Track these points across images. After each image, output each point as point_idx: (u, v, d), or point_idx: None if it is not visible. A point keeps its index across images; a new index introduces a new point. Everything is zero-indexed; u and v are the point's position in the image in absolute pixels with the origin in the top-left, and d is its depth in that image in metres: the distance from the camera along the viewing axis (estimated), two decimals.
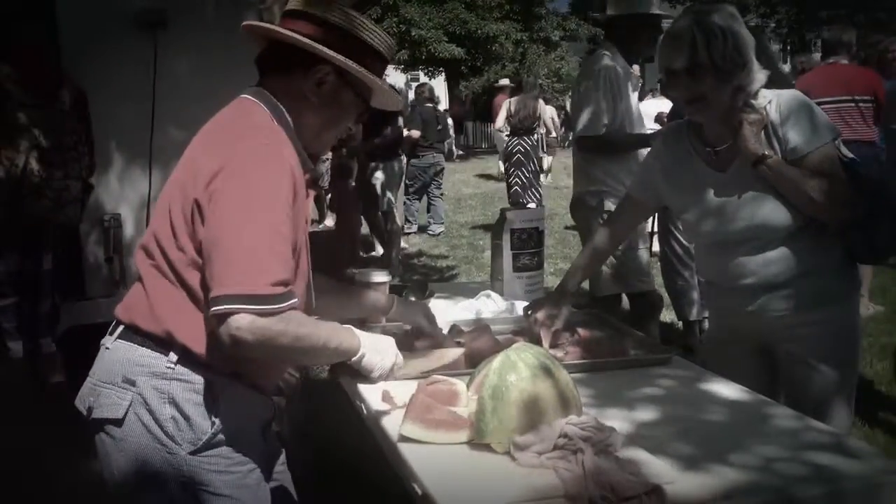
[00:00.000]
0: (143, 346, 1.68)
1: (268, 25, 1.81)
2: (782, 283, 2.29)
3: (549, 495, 1.52)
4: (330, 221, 9.99)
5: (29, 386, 4.08)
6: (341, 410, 2.23)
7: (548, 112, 12.15)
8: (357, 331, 1.82)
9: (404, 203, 9.84)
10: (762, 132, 2.25)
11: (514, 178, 9.38)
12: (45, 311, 4.30)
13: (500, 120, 10.21)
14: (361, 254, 8.60)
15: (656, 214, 5.16)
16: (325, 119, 1.80)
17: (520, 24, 27.77)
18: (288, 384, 3.24)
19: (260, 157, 1.62)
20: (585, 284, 3.45)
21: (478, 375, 1.87)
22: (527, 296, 3.01)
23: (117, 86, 4.50)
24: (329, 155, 7.85)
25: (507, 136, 9.87)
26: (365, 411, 2.01)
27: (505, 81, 13.25)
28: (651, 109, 6.59)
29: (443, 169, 10.41)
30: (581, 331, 2.47)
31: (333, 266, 7.23)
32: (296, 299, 1.60)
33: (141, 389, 1.66)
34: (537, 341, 2.34)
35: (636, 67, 7.98)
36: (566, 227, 10.22)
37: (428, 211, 10.58)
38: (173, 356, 1.66)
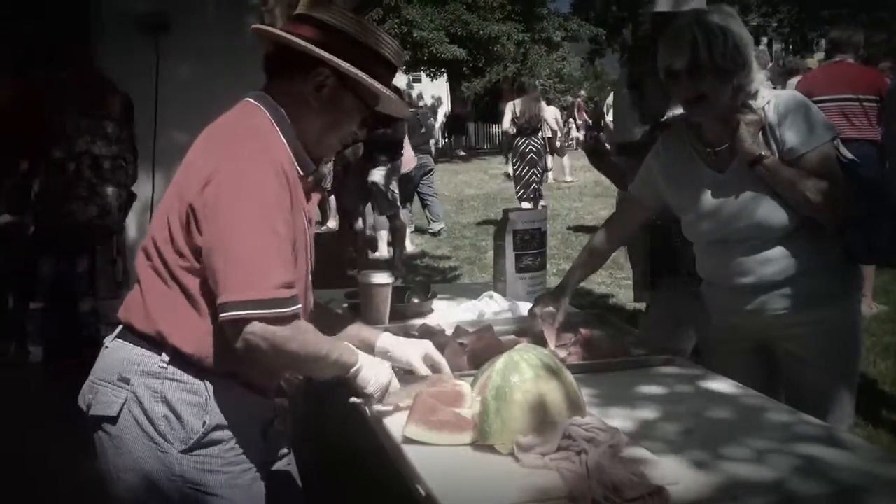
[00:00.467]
0: (138, 345, 1.71)
1: (269, 29, 1.82)
2: (780, 283, 2.29)
3: (553, 496, 1.52)
4: (333, 223, 10.01)
5: (47, 389, 4.09)
6: (344, 411, 2.23)
7: (551, 113, 12.17)
8: (354, 348, 1.84)
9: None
10: (760, 132, 2.26)
11: (531, 176, 9.89)
12: (86, 311, 4.31)
13: (507, 122, 10.50)
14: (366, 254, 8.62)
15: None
16: (325, 123, 1.80)
17: (521, 24, 27.79)
18: (291, 385, 3.24)
19: (251, 161, 1.63)
20: (586, 284, 3.45)
21: (481, 377, 1.87)
22: (529, 297, 3.00)
23: (120, 88, 4.50)
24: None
25: (514, 136, 10.20)
26: (368, 412, 2.01)
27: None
28: None
29: (431, 169, 10.36)
30: (584, 331, 2.47)
31: (336, 268, 7.26)
32: (301, 304, 1.62)
33: (135, 388, 1.68)
34: (540, 342, 2.34)
35: None
36: (568, 228, 10.22)
37: (424, 209, 10.56)
38: (165, 356, 1.68)
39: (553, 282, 3.67)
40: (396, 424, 1.82)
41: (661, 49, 2.30)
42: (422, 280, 7.06)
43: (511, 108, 10.43)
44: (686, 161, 2.41)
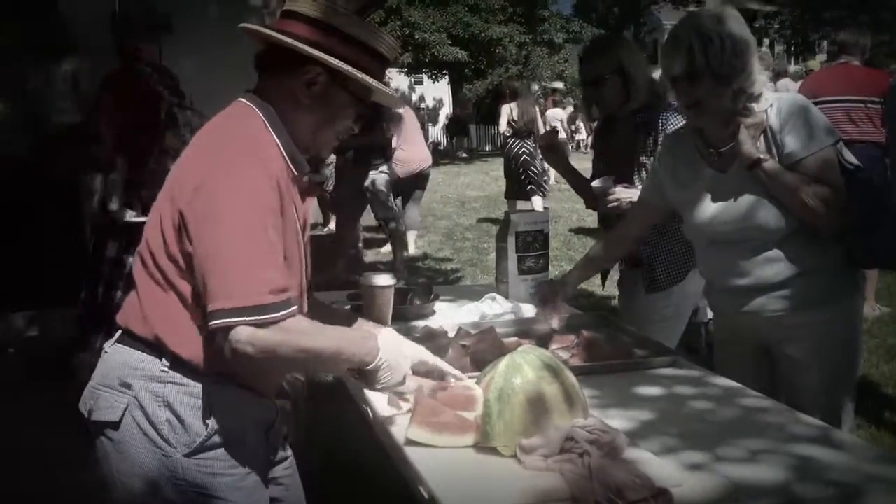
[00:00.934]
0: (138, 350, 1.70)
1: (257, 27, 1.80)
2: (778, 285, 2.29)
3: (556, 498, 1.52)
4: (334, 225, 10.00)
5: None
6: (347, 413, 2.23)
7: (558, 115, 12.22)
8: (382, 342, 1.77)
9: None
10: (761, 135, 2.26)
11: (523, 177, 10.08)
12: None
13: (503, 124, 10.72)
14: (365, 256, 8.62)
15: None
16: (318, 120, 1.78)
17: (523, 26, 27.82)
18: (293, 387, 3.25)
19: (240, 166, 1.61)
20: (587, 286, 3.46)
21: (483, 378, 1.87)
22: (532, 299, 3.01)
23: None
24: (333, 158, 7.85)
25: (509, 138, 10.42)
26: (371, 414, 2.01)
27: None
28: None
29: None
30: (585, 333, 2.47)
31: (334, 269, 7.25)
32: (295, 307, 1.59)
33: (137, 393, 1.67)
34: (542, 344, 2.34)
35: None
36: (571, 230, 10.22)
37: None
38: (166, 360, 1.67)
39: None
40: (399, 426, 1.82)
41: (661, 55, 2.32)
42: (424, 282, 7.06)
43: (507, 111, 10.57)
44: (691, 161, 2.42)
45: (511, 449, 1.68)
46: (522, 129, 10.22)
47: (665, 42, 2.33)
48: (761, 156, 2.22)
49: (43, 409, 3.56)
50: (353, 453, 3.39)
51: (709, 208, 2.35)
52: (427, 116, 32.18)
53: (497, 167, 18.73)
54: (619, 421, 1.85)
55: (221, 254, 1.56)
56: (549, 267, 3.18)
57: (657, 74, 6.92)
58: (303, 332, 1.61)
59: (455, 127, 28.46)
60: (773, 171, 2.21)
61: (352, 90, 1.78)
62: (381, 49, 1.79)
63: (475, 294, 3.09)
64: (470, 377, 2.03)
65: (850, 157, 2.30)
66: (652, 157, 2.99)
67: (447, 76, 29.14)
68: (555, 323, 2.51)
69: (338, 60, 1.71)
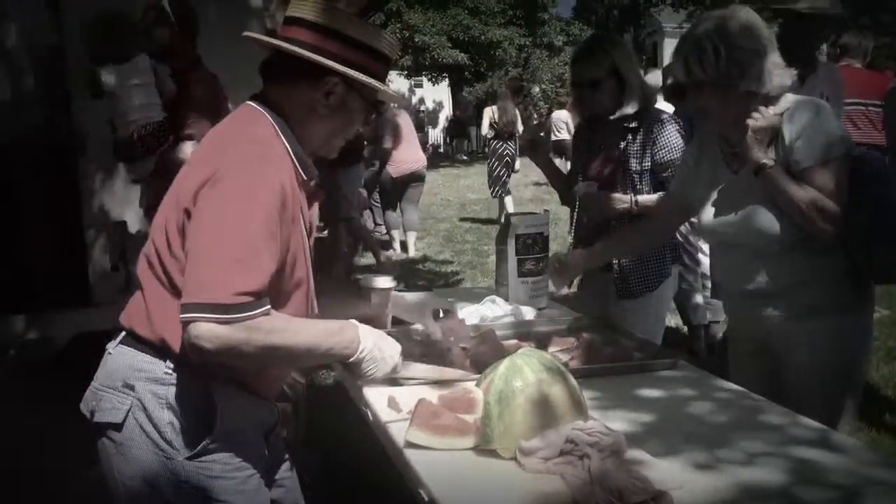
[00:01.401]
0: (142, 351, 1.70)
1: (270, 39, 1.80)
2: (779, 291, 2.29)
3: (556, 501, 1.52)
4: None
5: None
6: (347, 415, 2.23)
7: (563, 116, 12.33)
8: (363, 331, 1.81)
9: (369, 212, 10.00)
10: (773, 139, 2.25)
11: (506, 176, 10.77)
12: None
13: (486, 126, 11.28)
14: (363, 258, 8.64)
15: None
16: (334, 127, 1.81)
17: (523, 29, 27.86)
18: (294, 389, 3.25)
19: (246, 168, 1.62)
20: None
21: (483, 381, 1.87)
22: (531, 301, 3.01)
23: None
24: None
25: (492, 139, 11.01)
26: (371, 417, 2.01)
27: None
28: None
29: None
30: (586, 335, 2.48)
31: (325, 270, 7.26)
32: (265, 307, 1.57)
33: (140, 394, 1.67)
34: (543, 346, 2.34)
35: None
36: (570, 232, 10.21)
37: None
38: (170, 363, 1.67)
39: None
40: (399, 429, 1.82)
41: (671, 64, 2.35)
42: (423, 285, 7.07)
43: (489, 114, 11.08)
44: (713, 161, 2.44)
45: (511, 451, 1.68)
46: (504, 131, 10.76)
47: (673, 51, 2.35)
48: (767, 161, 2.22)
49: (43, 409, 3.56)
50: (352, 455, 3.39)
51: (717, 209, 2.36)
52: (427, 119, 32.23)
53: None
54: (619, 423, 1.85)
55: (201, 250, 1.57)
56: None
57: (648, 78, 6.97)
58: (271, 331, 1.59)
59: (455, 129, 28.45)
60: (775, 178, 2.21)
61: (365, 95, 1.80)
62: (386, 51, 1.81)
63: (475, 296, 3.09)
64: (470, 380, 2.03)
65: (870, 164, 2.28)
66: (636, 162, 3.05)
67: (447, 79, 29.17)
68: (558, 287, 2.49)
69: (355, 71, 1.73)
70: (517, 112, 11.22)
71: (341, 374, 1.98)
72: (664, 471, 1.61)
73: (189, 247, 1.59)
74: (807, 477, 1.62)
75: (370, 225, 9.78)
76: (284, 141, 1.74)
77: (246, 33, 1.83)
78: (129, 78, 4.01)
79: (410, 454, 1.73)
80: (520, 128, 11.23)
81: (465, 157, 25.76)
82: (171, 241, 1.66)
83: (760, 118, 2.24)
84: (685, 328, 5.59)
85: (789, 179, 2.21)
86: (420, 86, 32.31)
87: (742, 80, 2.21)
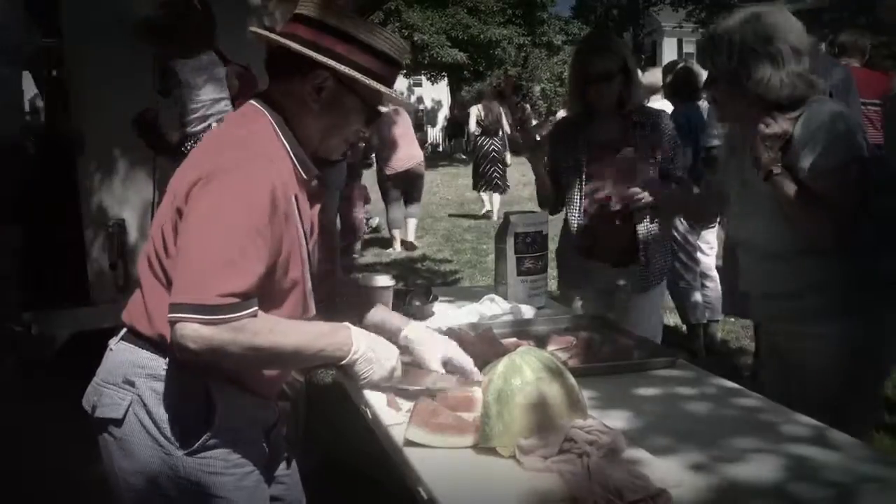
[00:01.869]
0: (142, 348, 1.71)
1: (264, 32, 1.80)
2: (790, 294, 2.29)
3: (555, 499, 1.52)
4: None
5: None
6: (346, 414, 2.23)
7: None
8: (356, 333, 1.81)
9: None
10: (785, 144, 2.24)
11: (492, 173, 11.28)
12: None
13: (473, 124, 11.69)
14: (363, 256, 8.64)
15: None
16: (327, 125, 1.79)
17: (522, 28, 27.85)
18: (293, 388, 3.24)
19: (236, 169, 1.62)
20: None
21: (482, 379, 1.87)
22: (530, 299, 3.01)
23: (121, 90, 4.50)
24: None
25: (479, 136, 11.46)
26: (370, 415, 2.01)
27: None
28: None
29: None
30: (585, 334, 2.48)
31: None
32: (252, 309, 1.57)
33: (140, 390, 1.68)
34: (542, 344, 2.34)
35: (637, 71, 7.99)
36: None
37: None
38: (170, 359, 1.68)
39: (554, 284, 3.67)
40: (398, 427, 1.82)
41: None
42: (423, 283, 7.06)
43: (476, 113, 11.55)
44: (743, 160, 2.43)
45: (510, 450, 1.68)
46: (490, 128, 11.27)
47: None
48: (773, 167, 2.22)
49: (42, 407, 3.57)
50: (351, 454, 3.39)
51: (737, 207, 2.39)
52: (426, 118, 32.22)
53: None
54: (618, 422, 1.85)
55: (188, 250, 1.57)
56: (548, 268, 3.18)
57: (647, 76, 6.91)
58: (257, 332, 1.59)
59: (454, 129, 28.45)
60: (780, 184, 2.21)
61: (361, 95, 1.78)
62: (390, 51, 1.79)
63: (474, 295, 3.09)
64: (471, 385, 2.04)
65: (887, 172, 2.27)
66: (647, 154, 3.08)
67: (446, 78, 29.14)
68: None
69: (344, 66, 1.72)
70: (502, 111, 11.65)
71: (340, 374, 1.98)
72: (663, 469, 1.61)
73: (178, 246, 1.60)
74: (804, 474, 1.62)
75: (365, 219, 9.85)
76: (283, 140, 1.74)
77: (252, 28, 1.84)
78: (198, 74, 4.00)
79: (409, 453, 1.73)
80: (505, 126, 11.60)
81: (463, 157, 25.76)
82: (167, 239, 1.66)
83: (772, 123, 2.23)
84: (684, 327, 5.60)
85: (793, 185, 2.21)
86: (419, 85, 32.29)
87: (749, 83, 2.21)
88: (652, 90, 6.83)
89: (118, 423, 1.69)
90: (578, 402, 1.77)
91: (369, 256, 9.20)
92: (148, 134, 4.16)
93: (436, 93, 33.10)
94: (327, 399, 3.98)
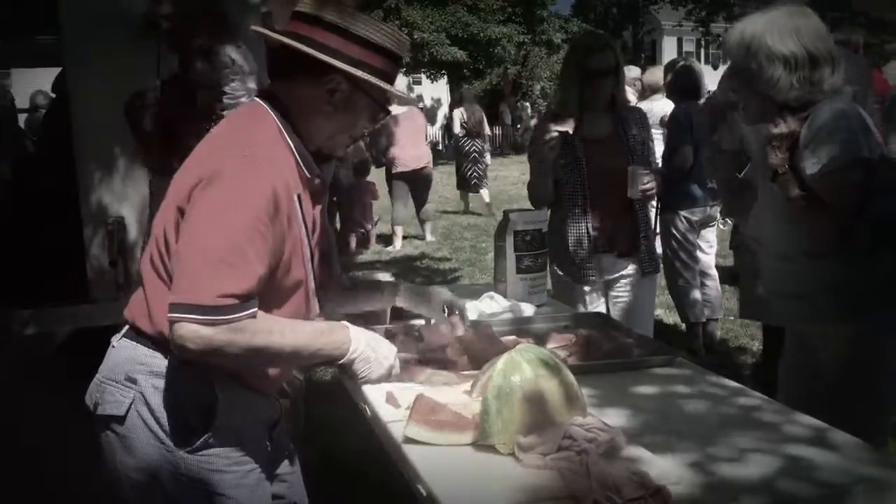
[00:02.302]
0: (144, 345, 1.71)
1: (272, 34, 1.79)
2: (801, 295, 2.30)
3: (554, 496, 1.52)
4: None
5: None
6: (345, 412, 2.23)
7: None
8: (354, 332, 1.82)
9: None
10: (793, 145, 2.25)
11: (472, 172, 11.86)
12: None
13: (457, 126, 12.31)
14: (363, 255, 8.65)
15: (658, 216, 5.16)
16: (339, 125, 1.79)
17: (522, 26, 27.82)
18: (292, 386, 3.25)
19: (238, 170, 1.62)
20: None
21: (482, 377, 1.87)
22: (530, 297, 3.01)
23: (121, 89, 4.50)
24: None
25: (462, 138, 12.00)
26: (369, 413, 2.01)
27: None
28: (657, 109, 6.59)
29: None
30: (584, 332, 2.48)
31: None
32: (251, 310, 1.58)
33: (142, 388, 1.69)
34: (541, 342, 2.34)
35: (636, 70, 7.99)
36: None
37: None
38: (171, 357, 1.67)
39: (549, 283, 3.68)
40: (397, 424, 1.82)
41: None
42: (422, 282, 7.06)
43: (459, 115, 12.23)
44: (760, 157, 2.45)
45: (509, 447, 1.68)
46: (472, 130, 11.87)
47: None
48: (780, 170, 2.22)
49: (41, 406, 3.57)
50: (350, 452, 3.40)
51: (759, 205, 2.41)
52: (425, 116, 32.15)
53: (496, 167, 18.75)
54: (617, 419, 1.85)
55: (189, 250, 1.58)
56: (548, 266, 3.18)
57: (647, 76, 6.90)
58: (256, 332, 1.59)
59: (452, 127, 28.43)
60: (785, 186, 2.22)
61: (373, 95, 1.79)
62: (392, 47, 1.78)
63: (474, 293, 3.09)
64: (468, 375, 2.04)
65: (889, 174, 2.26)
66: (640, 149, 3.29)
67: (446, 76, 29.11)
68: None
69: (361, 71, 1.71)
70: (483, 114, 12.30)
71: (339, 372, 1.98)
72: (662, 467, 1.61)
73: (178, 246, 1.61)
74: (802, 473, 1.62)
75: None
76: (287, 140, 1.74)
77: (255, 28, 1.84)
78: (247, 62, 3.95)
79: (409, 450, 1.73)
80: (486, 128, 12.27)
81: None
82: (169, 237, 1.67)
83: (781, 123, 2.23)
84: (683, 325, 5.60)
85: (796, 187, 2.21)
86: (419, 83, 32.24)
87: (757, 82, 2.22)
88: (653, 89, 6.84)
89: (120, 420, 1.69)
90: (577, 400, 1.77)
91: (368, 255, 9.22)
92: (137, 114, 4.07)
93: (435, 91, 33.05)
94: (326, 397, 3.99)
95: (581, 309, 3.28)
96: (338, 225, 9.25)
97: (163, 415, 1.67)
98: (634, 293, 3.39)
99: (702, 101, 5.54)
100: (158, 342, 1.69)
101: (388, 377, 1.87)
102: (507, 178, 16.54)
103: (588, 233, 3.27)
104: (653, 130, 6.46)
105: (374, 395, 1.99)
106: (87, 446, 1.80)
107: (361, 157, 9.25)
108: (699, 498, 1.52)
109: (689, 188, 5.34)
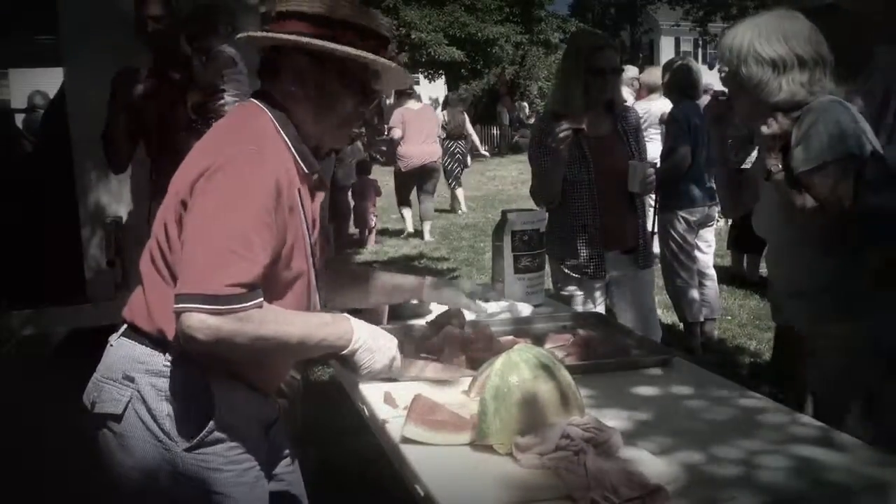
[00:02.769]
0: (142, 344, 1.71)
1: (249, 33, 1.82)
2: (803, 291, 2.30)
3: (551, 496, 1.52)
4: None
5: None
6: (343, 412, 2.23)
7: None
8: (356, 323, 1.82)
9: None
10: (786, 144, 2.26)
11: (456, 170, 12.51)
12: None
13: (438, 128, 12.70)
14: (360, 254, 8.64)
15: (656, 215, 5.17)
16: (317, 108, 1.79)
17: (520, 26, 27.80)
18: (290, 386, 3.25)
19: (240, 162, 1.63)
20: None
21: (480, 377, 1.87)
22: (528, 297, 3.01)
23: None
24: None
25: (444, 140, 12.28)
26: (367, 413, 2.01)
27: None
28: (655, 109, 6.60)
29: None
30: (582, 332, 2.48)
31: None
32: (258, 299, 1.59)
33: (139, 386, 1.69)
34: (539, 342, 2.34)
35: (634, 69, 8.00)
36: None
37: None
38: (169, 355, 1.68)
39: (551, 283, 3.68)
40: (395, 425, 1.82)
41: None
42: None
43: (441, 118, 12.55)
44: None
45: (507, 447, 1.68)
46: (453, 132, 12.45)
47: None
48: (772, 168, 2.24)
49: (40, 406, 3.57)
50: (349, 452, 3.40)
51: (762, 205, 2.43)
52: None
53: (494, 167, 18.78)
54: (614, 419, 1.85)
55: (195, 242, 1.59)
56: (546, 266, 3.18)
57: (645, 75, 6.93)
58: (263, 322, 1.60)
59: None
60: (777, 185, 2.23)
61: (345, 72, 1.78)
62: (372, 26, 1.78)
63: None
64: (466, 376, 2.04)
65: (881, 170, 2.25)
66: (636, 146, 3.44)
67: (443, 76, 29.10)
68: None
69: (309, 38, 1.72)
70: (465, 117, 12.97)
71: (337, 370, 1.98)
72: (659, 466, 1.61)
73: (184, 238, 1.62)
74: (801, 474, 1.62)
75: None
76: (284, 135, 1.75)
77: (239, 35, 1.86)
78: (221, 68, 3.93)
79: (406, 450, 1.73)
80: (469, 129, 12.88)
81: None
82: (171, 233, 1.68)
83: (773, 123, 2.25)
84: (681, 325, 5.60)
85: (787, 188, 2.22)
86: (416, 83, 32.25)
87: (747, 84, 2.25)
88: (651, 88, 6.84)
89: (118, 418, 1.69)
90: (575, 400, 1.77)
91: (368, 254, 9.22)
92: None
93: (433, 91, 33.04)
94: (324, 396, 3.99)
95: (590, 305, 3.34)
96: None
97: (160, 413, 1.67)
98: (637, 287, 3.50)
99: (700, 100, 5.54)
100: (157, 341, 1.69)
101: (390, 369, 1.88)
102: (506, 178, 16.54)
103: (597, 229, 3.35)
104: (651, 130, 6.51)
105: (372, 395, 2.00)
106: (86, 446, 1.80)
107: (360, 157, 9.43)
108: (697, 498, 1.52)
109: (688, 188, 5.35)
